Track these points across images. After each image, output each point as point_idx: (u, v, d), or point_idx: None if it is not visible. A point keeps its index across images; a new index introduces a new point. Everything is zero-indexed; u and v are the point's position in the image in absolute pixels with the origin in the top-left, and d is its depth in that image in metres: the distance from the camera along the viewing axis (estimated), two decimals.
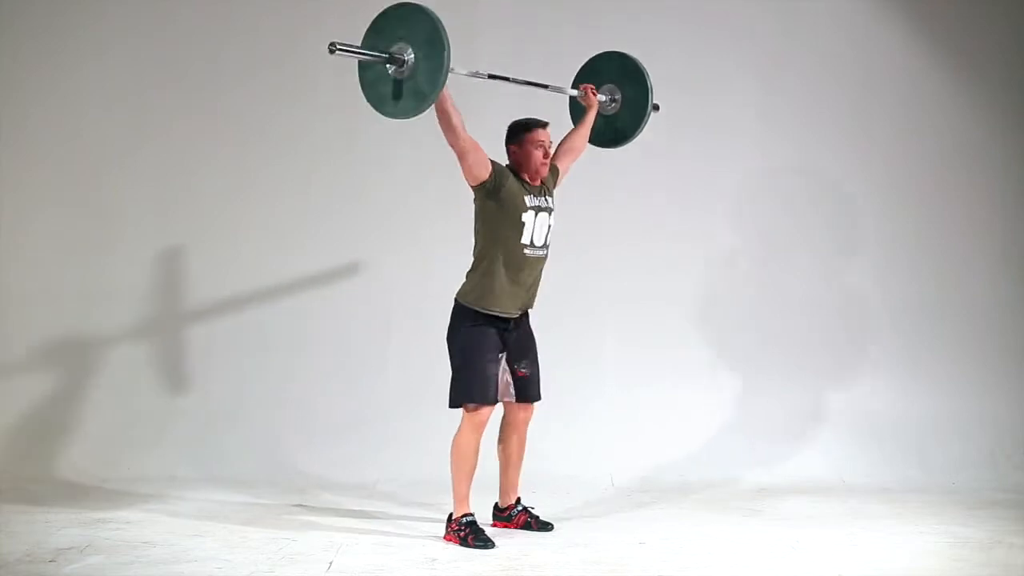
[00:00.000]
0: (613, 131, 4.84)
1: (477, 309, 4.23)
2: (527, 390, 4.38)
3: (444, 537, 4.23)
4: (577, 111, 4.82)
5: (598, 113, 4.73)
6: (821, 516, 4.75)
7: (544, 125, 4.36)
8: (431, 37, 3.88)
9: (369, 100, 4.11)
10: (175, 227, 5.87)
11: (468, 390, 4.20)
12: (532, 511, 4.49)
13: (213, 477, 5.33)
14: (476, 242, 4.31)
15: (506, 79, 4.50)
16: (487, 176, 4.17)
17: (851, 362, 5.99)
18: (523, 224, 4.22)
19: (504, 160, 4.36)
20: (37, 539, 4.13)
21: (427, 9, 3.94)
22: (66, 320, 5.78)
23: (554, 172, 4.47)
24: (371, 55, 3.97)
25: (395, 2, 4.02)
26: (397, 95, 3.96)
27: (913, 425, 5.80)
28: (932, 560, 4.00)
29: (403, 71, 3.96)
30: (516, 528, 4.43)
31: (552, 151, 4.42)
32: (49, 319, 5.77)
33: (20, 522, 4.42)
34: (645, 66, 4.78)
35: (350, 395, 5.77)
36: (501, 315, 4.24)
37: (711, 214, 6.04)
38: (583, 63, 4.91)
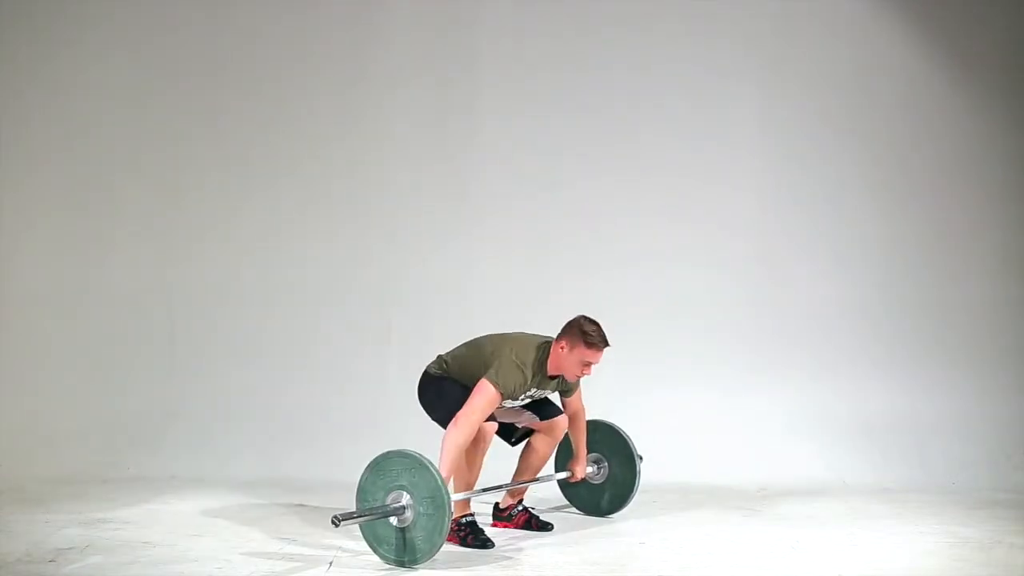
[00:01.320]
0: (607, 499, 4.73)
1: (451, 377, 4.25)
2: (545, 409, 4.40)
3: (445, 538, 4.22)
4: (567, 487, 4.79)
5: (587, 484, 4.70)
6: (821, 516, 4.74)
7: (605, 347, 4.18)
8: (424, 476, 3.74)
9: (382, 556, 3.86)
10: (175, 228, 5.88)
11: (451, 408, 4.09)
12: (532, 511, 4.49)
13: (213, 477, 5.33)
14: (464, 363, 4.21)
15: (497, 487, 4.34)
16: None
17: (851, 362, 5.99)
18: (503, 404, 4.17)
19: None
20: (37, 539, 4.13)
21: (409, 451, 3.81)
22: (66, 320, 5.78)
23: (561, 383, 4.37)
24: (375, 514, 3.80)
25: (395, 451, 3.85)
26: (408, 540, 3.78)
27: (913, 425, 5.80)
28: (932, 560, 4.00)
29: (407, 517, 3.79)
30: (516, 528, 4.43)
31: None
32: (49, 319, 5.77)
33: (20, 522, 4.42)
34: (624, 430, 4.72)
35: (350, 395, 5.77)
36: None
37: (711, 217, 6.04)
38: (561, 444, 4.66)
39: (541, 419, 4.40)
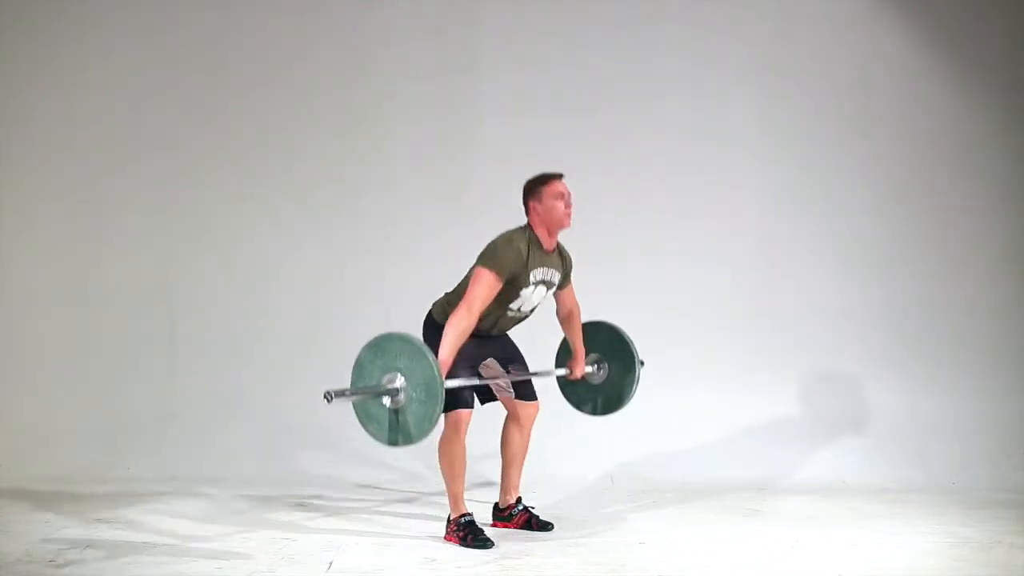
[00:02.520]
0: (604, 399, 4.72)
1: None
2: (524, 389, 4.38)
3: (444, 537, 4.23)
4: (566, 385, 4.76)
5: (586, 382, 4.69)
6: (821, 516, 4.74)
7: (560, 176, 4.26)
8: (421, 362, 3.75)
9: (372, 435, 3.93)
10: (175, 228, 5.88)
11: (447, 400, 4.08)
12: (532, 511, 4.48)
13: (213, 477, 5.33)
14: (468, 277, 4.19)
15: (492, 379, 4.33)
16: (503, 285, 4.10)
17: (851, 362, 6.00)
18: (520, 296, 4.18)
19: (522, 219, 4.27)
20: (37, 539, 4.13)
21: (409, 336, 3.82)
22: (66, 320, 5.78)
23: (568, 263, 4.40)
24: (367, 392, 3.84)
25: (397, 333, 3.86)
26: (398, 423, 3.82)
27: (913, 425, 5.80)
28: (932, 560, 4.00)
29: (400, 400, 3.82)
30: (516, 528, 4.43)
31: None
32: (49, 319, 5.77)
33: (20, 522, 4.42)
34: (626, 332, 4.68)
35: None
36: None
37: (711, 217, 6.05)
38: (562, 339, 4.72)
39: (516, 396, 4.36)
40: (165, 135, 5.88)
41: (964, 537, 4.32)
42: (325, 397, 3.72)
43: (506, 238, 4.15)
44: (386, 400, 3.82)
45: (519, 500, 4.48)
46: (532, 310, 4.30)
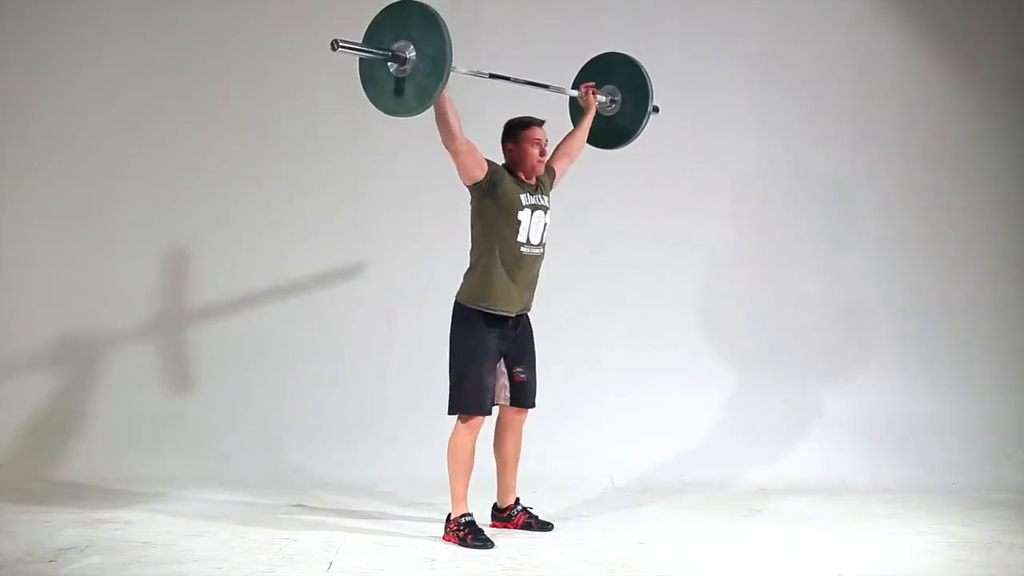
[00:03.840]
0: (613, 132, 4.83)
1: (477, 309, 4.24)
2: (523, 396, 4.38)
3: (443, 537, 4.23)
4: (576, 112, 4.81)
5: (598, 113, 4.73)
6: (821, 516, 4.74)
7: (540, 123, 4.37)
8: (433, 35, 3.86)
9: (370, 97, 4.11)
10: (175, 228, 5.87)
11: (465, 402, 4.23)
12: (532, 511, 4.48)
13: (213, 477, 5.33)
14: (473, 242, 4.31)
15: (507, 79, 4.50)
16: (482, 176, 4.19)
17: (851, 362, 6.00)
18: (519, 222, 4.24)
19: (500, 159, 4.36)
20: (37, 539, 4.13)
21: (430, 7, 3.94)
22: (66, 320, 5.78)
23: (551, 173, 4.48)
24: (373, 52, 3.96)
25: (418, 1, 3.98)
26: (399, 92, 3.95)
27: (913, 425, 5.80)
28: (932, 560, 4.00)
29: (405, 69, 3.94)
30: (516, 528, 4.43)
31: (550, 152, 4.42)
32: (49, 319, 5.77)
33: (20, 522, 4.42)
34: (646, 68, 4.77)
35: (350, 395, 5.77)
36: (501, 314, 4.25)
37: (711, 214, 6.04)
38: (583, 63, 4.90)
39: (512, 403, 4.35)
40: (165, 135, 5.87)
41: (964, 537, 4.32)
42: (332, 44, 3.80)
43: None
44: (392, 66, 3.88)
45: (518, 500, 4.49)
46: (542, 243, 4.32)
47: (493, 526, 4.45)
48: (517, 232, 4.24)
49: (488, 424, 4.34)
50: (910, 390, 5.89)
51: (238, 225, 5.90)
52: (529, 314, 4.42)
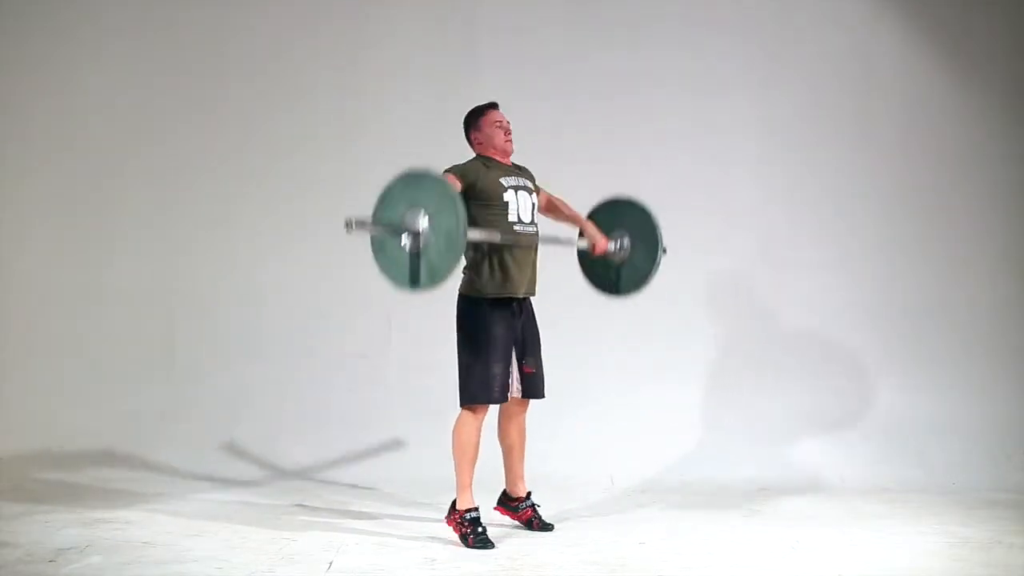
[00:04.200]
0: (626, 279, 4.69)
1: (482, 296, 4.23)
2: (533, 387, 4.39)
3: (445, 519, 4.23)
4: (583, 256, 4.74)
5: (608, 264, 4.67)
6: (821, 516, 4.74)
7: (495, 106, 4.41)
8: (448, 212, 3.74)
9: (380, 268, 3.96)
10: (175, 228, 5.88)
11: (474, 391, 4.22)
12: (537, 508, 4.48)
13: (213, 477, 5.33)
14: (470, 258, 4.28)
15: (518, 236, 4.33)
16: (462, 187, 4.20)
17: (852, 362, 5.99)
18: (507, 203, 4.26)
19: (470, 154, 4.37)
20: (37, 539, 4.13)
21: (447, 184, 3.86)
22: (66, 320, 5.78)
23: (530, 177, 4.45)
24: (388, 230, 3.80)
25: (433, 174, 3.90)
26: (414, 270, 3.79)
27: (913, 425, 5.80)
28: (932, 560, 3.99)
29: (416, 247, 3.80)
30: (519, 520, 4.43)
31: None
32: (49, 319, 5.77)
33: (20, 522, 4.42)
34: (655, 215, 4.62)
35: (350, 395, 5.77)
36: (506, 296, 4.25)
37: (711, 214, 6.04)
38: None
39: (524, 395, 4.35)
40: (165, 135, 5.88)
41: (964, 537, 4.32)
42: (346, 225, 3.65)
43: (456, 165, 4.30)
44: (405, 241, 3.75)
45: (529, 495, 4.48)
46: (533, 222, 4.33)
47: (496, 509, 4.46)
48: (508, 213, 4.26)
49: (491, 416, 4.33)
50: (910, 390, 5.89)
51: (238, 225, 5.90)
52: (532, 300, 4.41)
